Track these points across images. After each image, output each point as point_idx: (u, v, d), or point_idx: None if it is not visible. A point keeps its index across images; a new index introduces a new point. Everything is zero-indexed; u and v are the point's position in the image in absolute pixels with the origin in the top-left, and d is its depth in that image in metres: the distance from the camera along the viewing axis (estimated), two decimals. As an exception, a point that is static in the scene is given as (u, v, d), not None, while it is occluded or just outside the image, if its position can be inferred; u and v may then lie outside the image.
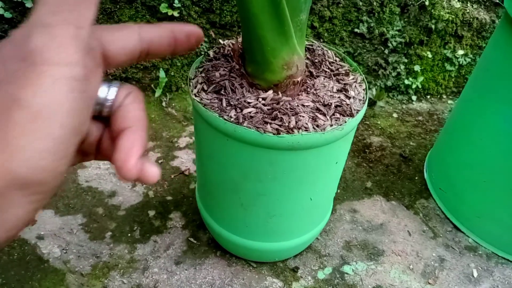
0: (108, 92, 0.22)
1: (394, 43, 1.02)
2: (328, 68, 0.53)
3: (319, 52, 0.56)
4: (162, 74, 0.95)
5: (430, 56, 1.06)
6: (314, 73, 0.52)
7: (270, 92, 0.46)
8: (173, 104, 0.98)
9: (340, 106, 0.47)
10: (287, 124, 0.43)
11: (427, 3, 0.98)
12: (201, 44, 0.97)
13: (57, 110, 0.18)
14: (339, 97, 0.48)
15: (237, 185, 0.50)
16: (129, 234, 0.69)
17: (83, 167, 0.81)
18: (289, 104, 0.45)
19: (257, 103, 0.45)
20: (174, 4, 0.90)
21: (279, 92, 0.46)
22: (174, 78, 0.98)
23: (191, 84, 0.48)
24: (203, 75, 0.49)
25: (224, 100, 0.46)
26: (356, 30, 1.00)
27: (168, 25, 0.24)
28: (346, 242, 0.71)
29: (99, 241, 0.67)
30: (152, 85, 0.98)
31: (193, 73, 0.50)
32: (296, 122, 0.43)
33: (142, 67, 0.97)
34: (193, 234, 0.70)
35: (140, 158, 0.22)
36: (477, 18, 1.04)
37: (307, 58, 0.54)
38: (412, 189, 0.83)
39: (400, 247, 0.71)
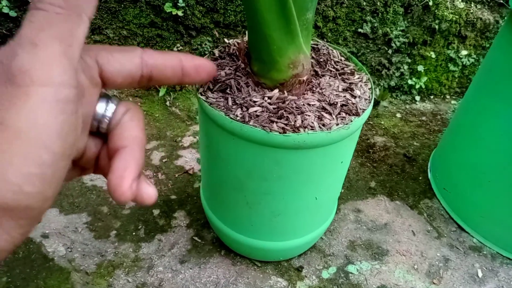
0: (106, 108, 0.22)
1: (398, 43, 1.02)
2: (334, 68, 0.53)
3: (324, 52, 0.56)
4: (166, 73, 0.95)
5: (433, 56, 1.06)
6: (320, 72, 0.52)
7: (276, 91, 0.46)
8: (177, 104, 0.98)
9: (345, 105, 0.47)
10: (293, 123, 0.43)
11: (430, 3, 0.98)
12: (205, 44, 0.98)
13: (44, 133, 0.17)
14: (344, 96, 0.48)
15: (242, 184, 0.50)
16: (133, 233, 0.69)
17: (87, 166, 0.81)
18: (295, 103, 0.45)
19: (263, 102, 0.45)
20: (178, 4, 0.90)
21: (285, 91, 0.47)
22: (178, 78, 0.98)
23: (197, 83, 0.48)
24: (209, 74, 0.50)
25: (230, 99, 0.46)
26: (359, 30, 1.00)
27: (177, 54, 0.23)
28: (350, 241, 0.71)
29: (104, 239, 0.68)
30: (156, 85, 0.98)
31: (199, 72, 0.50)
32: (302, 121, 0.43)
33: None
34: (198, 233, 0.70)
35: (136, 179, 0.21)
36: (480, 19, 1.04)
37: (312, 58, 0.54)
38: (416, 189, 0.83)
39: (405, 247, 0.71)
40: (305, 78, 0.47)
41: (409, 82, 1.08)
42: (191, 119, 0.95)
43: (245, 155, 0.46)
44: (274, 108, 0.45)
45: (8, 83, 0.17)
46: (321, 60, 0.54)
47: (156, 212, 0.73)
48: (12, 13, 0.84)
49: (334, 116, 0.45)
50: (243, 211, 0.54)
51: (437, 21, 1.01)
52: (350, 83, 0.50)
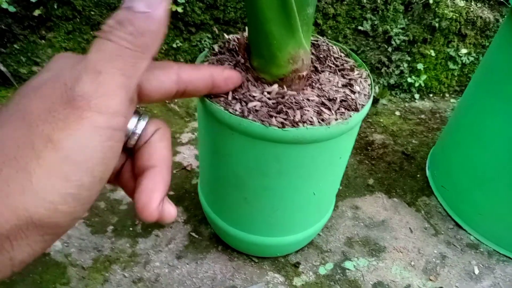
0: (137, 125, 0.22)
1: (398, 41, 1.02)
2: (333, 63, 0.53)
3: (324, 48, 0.56)
4: (165, 69, 0.95)
5: (433, 54, 1.06)
6: (319, 68, 0.52)
7: (276, 86, 0.46)
8: (176, 100, 0.98)
9: (345, 100, 0.46)
10: (292, 118, 0.43)
11: (431, 1, 0.98)
12: (204, 40, 0.97)
13: (90, 158, 0.18)
14: (344, 92, 0.48)
15: (240, 180, 0.50)
16: (130, 228, 0.69)
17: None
18: (294, 98, 0.45)
19: (262, 97, 0.45)
20: (178, 0, 0.89)
21: (284, 86, 0.46)
22: (177, 74, 0.98)
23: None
24: (208, 68, 0.49)
25: (229, 94, 0.45)
26: (359, 27, 1.00)
27: (208, 69, 0.23)
28: (347, 238, 0.71)
29: (100, 235, 0.67)
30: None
31: (198, 67, 0.50)
32: (301, 116, 0.43)
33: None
34: (195, 229, 0.70)
35: (162, 200, 0.22)
36: (481, 17, 1.04)
37: (312, 53, 0.54)
38: (414, 186, 0.83)
39: (402, 243, 0.71)
40: (304, 73, 0.47)
41: (409, 80, 1.08)
42: (189, 115, 0.95)
43: (243, 150, 0.46)
44: (273, 103, 0.44)
45: (67, 104, 0.17)
46: (321, 56, 0.54)
47: (154, 207, 0.73)
48: (12, 9, 0.84)
49: (333, 112, 0.45)
50: (240, 206, 0.54)
51: (437, 19, 1.01)
52: (349, 79, 0.50)
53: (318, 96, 0.47)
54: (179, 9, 0.90)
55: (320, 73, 0.51)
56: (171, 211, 0.22)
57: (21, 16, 0.85)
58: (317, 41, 0.57)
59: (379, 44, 1.03)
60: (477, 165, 0.71)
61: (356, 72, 0.52)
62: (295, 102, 0.45)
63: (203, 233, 0.69)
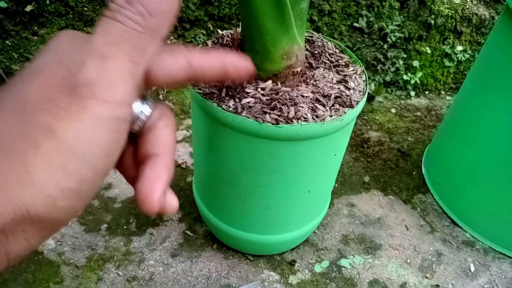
0: (141, 110, 0.21)
1: (393, 38, 1.02)
2: (328, 60, 0.52)
3: (319, 44, 0.55)
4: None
5: (429, 51, 1.06)
6: (314, 64, 0.51)
7: (269, 82, 0.46)
8: (170, 97, 0.97)
9: (339, 97, 0.46)
10: (286, 115, 0.42)
11: (426, -2, 0.98)
12: (199, 37, 0.97)
13: (92, 151, 0.16)
14: (338, 88, 0.47)
15: (235, 177, 0.50)
16: (125, 227, 0.68)
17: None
18: (288, 94, 0.45)
19: (256, 93, 0.44)
20: (172, -4, 0.89)
21: (278, 83, 0.46)
22: (172, 71, 0.97)
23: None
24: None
25: (222, 90, 0.45)
26: (355, 24, 0.99)
27: (220, 55, 0.22)
28: (343, 236, 0.71)
29: (94, 233, 0.67)
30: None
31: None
32: (295, 113, 0.43)
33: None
34: (190, 227, 0.69)
35: (165, 190, 0.20)
36: (476, 14, 1.04)
37: (307, 50, 0.53)
38: (410, 184, 0.83)
39: (398, 241, 0.71)
40: (299, 69, 0.46)
41: (404, 77, 1.07)
42: (184, 113, 0.94)
43: (237, 147, 0.46)
44: (267, 100, 0.44)
45: (69, 92, 0.16)
46: (316, 52, 0.53)
47: (148, 205, 0.72)
48: (3, 4, 0.83)
49: (328, 108, 0.44)
50: (235, 204, 0.54)
51: (433, 16, 1.01)
52: (344, 75, 0.50)
53: (312, 92, 0.46)
54: (174, 6, 0.89)
55: (315, 69, 0.50)
56: (173, 202, 0.21)
57: (13, 11, 0.84)
58: (311, 37, 0.56)
59: (375, 41, 1.03)
60: (473, 162, 0.70)
61: (351, 68, 0.51)
62: (289, 99, 0.44)
63: (198, 231, 0.69)
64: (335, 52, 0.54)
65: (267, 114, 0.42)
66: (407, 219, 0.75)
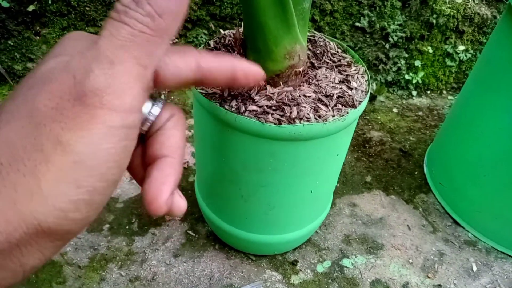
0: (151, 110, 0.20)
1: (395, 38, 1.02)
2: (330, 59, 0.52)
3: (321, 43, 0.55)
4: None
5: (431, 51, 1.06)
6: (316, 64, 0.51)
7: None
8: (172, 97, 0.97)
9: (342, 97, 0.46)
10: (288, 115, 0.42)
11: (428, -3, 0.98)
12: (201, 36, 0.97)
13: (103, 161, 0.16)
14: (341, 88, 0.47)
15: (237, 177, 0.50)
16: (127, 227, 0.68)
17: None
18: (291, 94, 0.45)
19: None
20: (173, -4, 0.89)
21: (281, 82, 0.46)
22: (173, 71, 0.97)
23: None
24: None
25: (225, 90, 0.45)
26: (357, 24, 0.99)
27: (230, 60, 0.22)
28: (345, 236, 0.71)
29: (96, 233, 0.67)
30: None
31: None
32: (298, 113, 0.43)
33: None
34: (192, 227, 0.69)
35: (172, 192, 0.20)
36: (478, 14, 1.04)
37: (309, 49, 0.53)
38: (412, 183, 0.83)
39: (400, 241, 0.71)
40: (301, 69, 0.46)
41: (406, 77, 1.07)
42: (186, 113, 0.94)
43: (240, 147, 0.46)
44: (271, 103, 0.44)
45: (77, 101, 0.16)
46: (318, 52, 0.53)
47: (150, 205, 0.72)
48: (5, 4, 0.83)
49: (330, 108, 0.44)
50: (237, 204, 0.54)
51: (434, 16, 1.00)
52: (346, 75, 0.50)
53: (315, 92, 0.46)
54: (175, 6, 0.89)
55: (317, 69, 0.50)
56: (180, 204, 0.21)
57: (15, 11, 0.84)
58: (313, 36, 0.56)
59: (377, 40, 1.03)
60: (475, 162, 0.70)
61: (353, 68, 0.51)
62: (292, 99, 0.44)
63: (200, 231, 0.69)
64: (337, 51, 0.54)
65: (270, 114, 0.42)
66: (409, 219, 0.75)
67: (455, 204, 0.76)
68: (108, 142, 0.16)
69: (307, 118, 0.42)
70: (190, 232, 0.68)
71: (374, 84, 1.06)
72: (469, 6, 1.03)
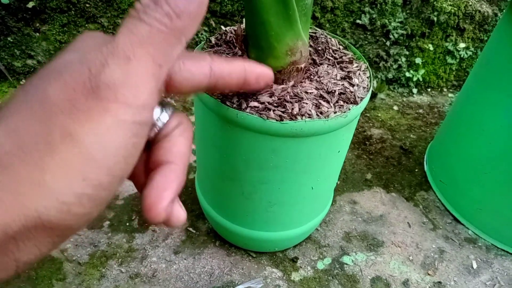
0: (159, 117, 0.20)
1: (396, 35, 1.02)
2: (332, 56, 0.52)
3: (323, 40, 0.55)
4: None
5: (431, 48, 1.05)
6: (318, 61, 0.51)
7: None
8: (173, 94, 0.97)
9: (344, 93, 0.46)
10: (290, 111, 0.42)
11: (429, -6, 0.98)
12: (201, 33, 0.96)
13: (112, 156, 0.16)
14: (342, 84, 0.47)
15: (238, 174, 0.50)
16: (127, 224, 0.68)
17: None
18: (292, 91, 0.44)
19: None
20: (174, -8, 0.88)
21: (283, 79, 0.46)
22: (174, 68, 0.97)
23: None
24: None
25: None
26: (358, 21, 0.99)
27: (241, 64, 0.22)
28: (345, 233, 0.71)
29: (97, 230, 0.67)
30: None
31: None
32: (300, 109, 0.43)
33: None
34: (192, 224, 0.69)
35: (173, 200, 0.20)
36: (479, 11, 1.04)
37: (311, 46, 0.53)
38: (412, 181, 0.83)
39: (400, 238, 0.71)
40: (303, 65, 0.46)
41: (407, 74, 1.07)
42: (186, 110, 0.94)
43: (241, 144, 0.46)
44: (272, 100, 0.44)
45: (91, 94, 0.15)
46: (319, 48, 0.53)
47: (150, 202, 0.72)
48: (5, 0, 0.82)
49: (332, 104, 0.44)
50: (238, 201, 0.54)
51: (435, 13, 1.00)
52: (348, 72, 0.50)
53: (316, 88, 0.46)
54: (176, 2, 0.89)
55: (319, 66, 0.50)
56: (180, 214, 0.20)
57: (15, 8, 0.84)
58: (315, 33, 0.56)
59: (377, 38, 1.03)
60: (475, 159, 0.70)
61: (355, 65, 0.51)
62: (293, 95, 0.44)
63: (200, 228, 0.69)
64: (339, 48, 0.54)
65: (271, 110, 0.42)
66: (409, 216, 0.75)
67: (456, 201, 0.76)
68: (119, 136, 0.16)
69: (308, 114, 0.42)
70: (190, 229, 0.68)
71: (374, 82, 1.05)
72: (470, 3, 1.02)
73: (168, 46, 0.17)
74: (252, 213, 0.55)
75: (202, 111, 0.48)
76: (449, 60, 1.09)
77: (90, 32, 0.19)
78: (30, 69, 0.92)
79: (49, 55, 0.91)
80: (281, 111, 0.42)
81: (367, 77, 0.50)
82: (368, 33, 1.02)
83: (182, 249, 0.65)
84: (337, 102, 0.45)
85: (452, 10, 1.01)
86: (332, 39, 0.55)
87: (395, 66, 1.06)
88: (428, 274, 0.66)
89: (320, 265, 0.65)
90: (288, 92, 0.44)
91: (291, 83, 0.45)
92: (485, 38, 1.08)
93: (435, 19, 1.01)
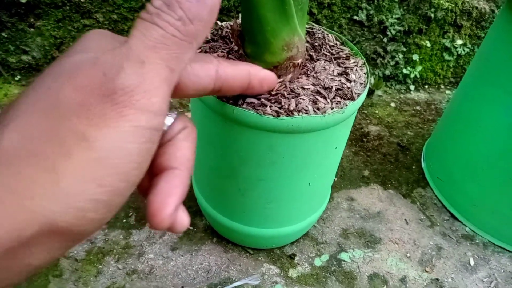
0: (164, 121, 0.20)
1: (393, 32, 1.01)
2: (329, 52, 0.52)
3: (319, 36, 0.54)
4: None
5: (429, 45, 1.05)
6: (314, 57, 0.51)
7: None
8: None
9: (341, 89, 0.46)
10: (287, 107, 0.42)
11: (427, -9, 0.97)
12: (198, 30, 0.96)
13: (127, 161, 0.16)
14: (339, 80, 0.47)
15: (235, 170, 0.49)
16: (124, 220, 0.68)
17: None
18: (289, 86, 0.44)
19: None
20: (170, -12, 0.88)
21: (279, 75, 0.45)
22: (170, 64, 0.96)
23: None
24: (201, 56, 0.48)
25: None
26: (355, 17, 0.99)
27: (246, 67, 0.22)
28: (343, 229, 0.71)
29: (93, 227, 0.66)
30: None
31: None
32: (296, 105, 0.42)
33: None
34: (189, 221, 0.69)
35: (177, 207, 0.20)
36: (476, 8, 1.04)
37: (307, 42, 0.53)
38: (410, 178, 0.83)
39: (397, 235, 0.71)
40: (299, 61, 0.46)
41: (404, 71, 1.07)
42: (183, 106, 0.93)
43: (237, 140, 0.45)
44: (268, 95, 0.43)
45: (106, 98, 0.15)
46: (316, 44, 0.53)
47: (147, 199, 0.72)
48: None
49: (329, 100, 0.44)
50: (235, 198, 0.54)
51: (432, 10, 1.00)
52: (345, 68, 0.49)
53: (313, 84, 0.46)
54: (172, -2, 0.89)
55: (315, 62, 0.50)
56: (184, 220, 0.20)
57: (8, 2, 0.83)
58: (312, 29, 0.56)
59: (375, 34, 1.02)
60: (473, 156, 0.70)
61: (352, 61, 0.51)
62: (290, 91, 0.44)
63: (197, 225, 0.68)
64: (336, 44, 0.54)
65: (268, 106, 0.42)
66: (406, 213, 0.75)
67: (453, 198, 0.76)
68: (133, 142, 0.16)
69: (305, 110, 0.42)
70: (187, 226, 0.68)
71: (372, 78, 1.05)
72: (467, 0, 1.02)
73: (180, 51, 0.17)
74: (249, 209, 0.55)
75: (198, 108, 0.47)
76: (447, 57, 1.09)
77: (98, 31, 0.19)
78: (25, 65, 0.91)
79: (44, 51, 0.91)
80: (278, 107, 0.42)
81: (364, 73, 0.50)
82: (365, 30, 1.01)
83: (179, 246, 0.65)
84: (334, 98, 0.44)
85: (449, 7, 1.00)
86: (329, 35, 0.55)
87: (392, 63, 1.06)
88: (426, 271, 0.66)
89: (318, 262, 0.65)
90: (284, 87, 0.44)
91: (288, 78, 0.45)
92: (482, 35, 1.08)
93: (432, 15, 1.00)
